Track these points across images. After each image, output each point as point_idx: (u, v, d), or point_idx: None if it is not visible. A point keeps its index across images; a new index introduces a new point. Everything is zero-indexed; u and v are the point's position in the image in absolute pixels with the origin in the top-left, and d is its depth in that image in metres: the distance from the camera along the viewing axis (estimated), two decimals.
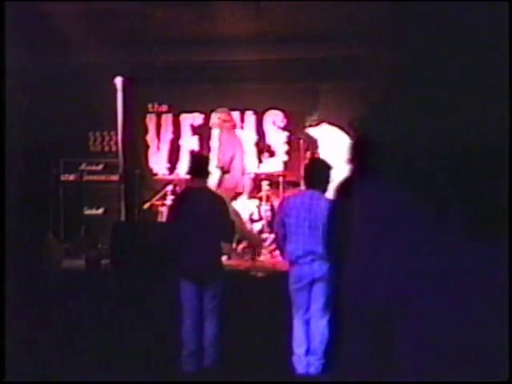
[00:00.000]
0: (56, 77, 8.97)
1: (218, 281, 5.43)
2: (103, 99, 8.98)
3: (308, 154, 8.28)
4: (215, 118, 8.10)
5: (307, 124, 8.10)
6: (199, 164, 5.66)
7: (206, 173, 5.69)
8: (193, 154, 5.97)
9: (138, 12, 8.06)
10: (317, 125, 8.00)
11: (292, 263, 5.28)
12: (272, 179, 8.67)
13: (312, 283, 5.19)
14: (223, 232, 5.64)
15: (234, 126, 8.21)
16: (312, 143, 8.18)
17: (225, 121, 8.01)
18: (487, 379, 1.48)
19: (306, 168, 5.69)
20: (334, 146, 7.59)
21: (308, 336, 5.24)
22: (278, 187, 8.55)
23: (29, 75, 8.23)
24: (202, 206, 5.43)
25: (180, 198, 5.71)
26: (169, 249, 5.66)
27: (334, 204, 5.24)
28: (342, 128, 8.03)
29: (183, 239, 5.38)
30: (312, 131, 8.04)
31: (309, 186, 5.43)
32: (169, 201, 8.42)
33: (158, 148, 10.04)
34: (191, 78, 9.49)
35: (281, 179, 8.56)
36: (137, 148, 9.59)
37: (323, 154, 7.68)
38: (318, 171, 5.38)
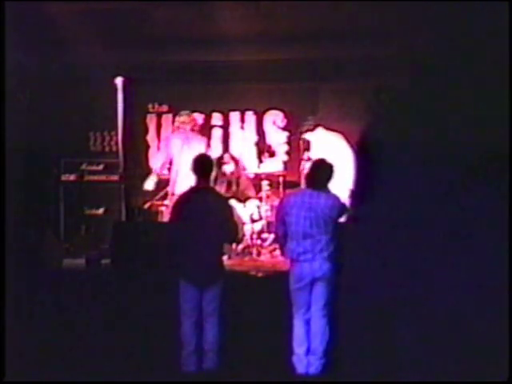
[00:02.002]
0: (56, 77, 8.97)
1: (219, 282, 5.40)
2: (103, 99, 8.98)
3: (306, 154, 8.30)
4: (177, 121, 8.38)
5: (304, 129, 8.15)
6: (203, 164, 5.63)
7: (210, 173, 5.66)
8: (196, 154, 5.98)
9: (138, 12, 8.06)
10: (313, 129, 8.04)
11: (293, 261, 5.28)
12: (272, 179, 8.67)
13: (312, 283, 5.19)
14: (228, 233, 5.59)
15: (193, 128, 8.29)
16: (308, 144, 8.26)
17: (183, 122, 8.22)
18: (487, 379, 1.48)
19: (310, 168, 5.67)
20: (327, 149, 7.65)
21: (308, 336, 5.24)
22: (278, 187, 8.55)
23: (29, 75, 8.24)
24: (206, 207, 5.39)
25: (183, 198, 5.67)
26: (170, 249, 5.64)
27: (334, 203, 5.29)
28: (338, 131, 8.05)
29: (186, 240, 5.36)
30: (308, 136, 8.09)
31: (309, 184, 5.44)
32: (169, 201, 8.43)
33: (159, 148, 10.03)
34: (191, 78, 9.50)
35: (281, 179, 8.56)
36: (137, 148, 9.60)
37: (315, 156, 7.78)
38: (321, 171, 5.39)
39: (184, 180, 7.41)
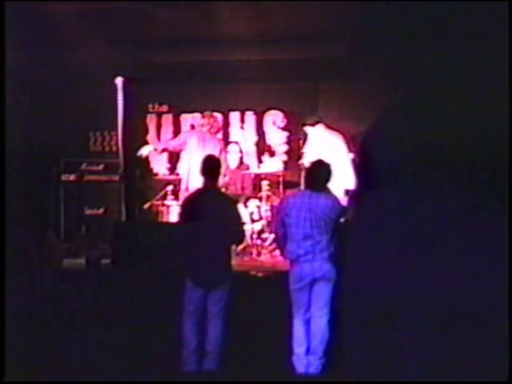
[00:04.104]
0: (56, 77, 8.97)
1: (226, 284, 5.39)
2: (104, 99, 8.97)
3: (302, 152, 8.30)
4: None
5: (307, 122, 8.16)
6: (211, 166, 5.64)
7: (218, 175, 5.67)
8: (205, 155, 5.99)
9: (138, 12, 8.05)
10: (314, 124, 8.06)
11: (293, 262, 5.29)
12: (272, 179, 8.67)
13: (312, 283, 5.20)
14: (234, 234, 5.60)
15: (209, 129, 8.32)
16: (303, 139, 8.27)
17: (202, 125, 8.29)
18: (487, 379, 1.48)
19: (308, 169, 5.71)
20: (324, 147, 7.66)
21: (308, 336, 5.25)
22: (278, 187, 8.55)
23: (29, 75, 8.23)
24: (214, 208, 5.39)
25: (191, 200, 5.68)
26: (177, 250, 5.63)
27: (334, 203, 5.30)
28: (337, 130, 8.06)
29: (193, 241, 5.35)
30: (308, 129, 8.12)
31: (308, 186, 5.46)
32: (169, 201, 8.44)
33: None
34: (191, 78, 9.50)
35: (281, 179, 8.57)
36: (137, 148, 9.58)
37: (310, 151, 7.81)
38: (319, 172, 5.40)
39: (194, 179, 7.43)
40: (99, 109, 9.23)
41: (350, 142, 7.76)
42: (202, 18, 8.04)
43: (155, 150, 8.58)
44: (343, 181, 6.43)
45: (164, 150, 8.70)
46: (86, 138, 10.01)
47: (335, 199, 5.30)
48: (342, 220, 5.35)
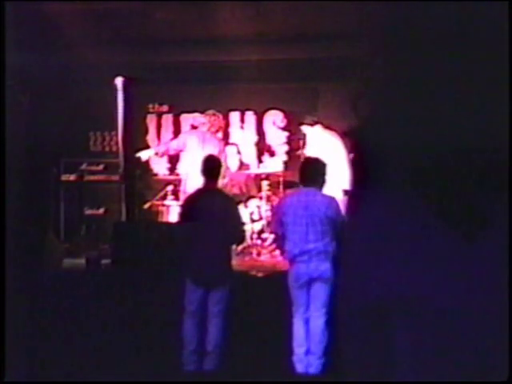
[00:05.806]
0: (56, 77, 8.97)
1: (226, 284, 5.40)
2: (104, 99, 8.98)
3: (301, 152, 8.31)
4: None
5: (305, 121, 8.16)
6: (211, 166, 5.65)
7: (218, 175, 5.68)
8: (205, 155, 5.99)
9: (138, 12, 8.06)
10: (312, 125, 8.06)
11: (290, 262, 5.29)
12: (272, 179, 8.67)
13: (310, 283, 5.19)
14: (234, 234, 5.63)
15: (209, 128, 8.30)
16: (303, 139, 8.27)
17: (203, 124, 8.29)
18: (487, 379, 1.48)
19: (301, 166, 5.68)
20: (320, 148, 7.67)
21: (308, 335, 5.25)
22: (278, 187, 8.56)
23: (29, 75, 8.24)
24: (214, 208, 5.41)
25: (191, 199, 5.69)
26: (177, 250, 5.64)
27: (331, 202, 5.30)
28: (336, 131, 8.05)
29: (193, 241, 5.36)
30: (306, 129, 8.11)
31: (304, 183, 5.43)
32: (169, 201, 8.44)
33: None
34: (191, 78, 9.50)
35: (281, 179, 8.57)
36: (137, 148, 9.60)
37: (309, 152, 7.82)
38: (313, 169, 5.40)
39: (193, 180, 7.42)
40: (99, 109, 9.23)
41: (347, 142, 7.76)
42: (201, 18, 8.04)
43: (156, 154, 8.57)
44: (342, 181, 6.44)
45: (164, 154, 8.69)
46: (86, 138, 10.02)
47: (332, 198, 5.30)
48: (339, 220, 5.34)
